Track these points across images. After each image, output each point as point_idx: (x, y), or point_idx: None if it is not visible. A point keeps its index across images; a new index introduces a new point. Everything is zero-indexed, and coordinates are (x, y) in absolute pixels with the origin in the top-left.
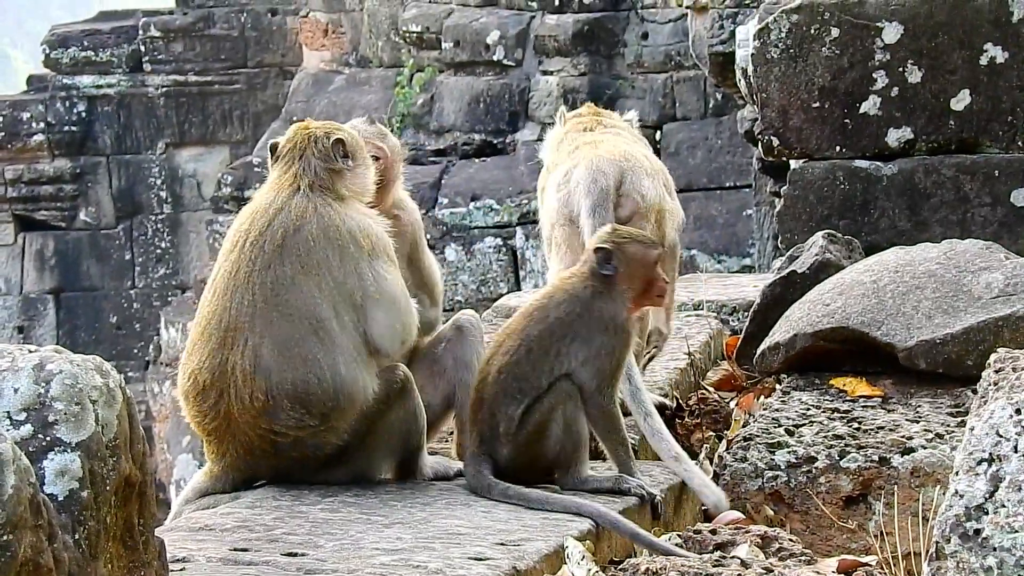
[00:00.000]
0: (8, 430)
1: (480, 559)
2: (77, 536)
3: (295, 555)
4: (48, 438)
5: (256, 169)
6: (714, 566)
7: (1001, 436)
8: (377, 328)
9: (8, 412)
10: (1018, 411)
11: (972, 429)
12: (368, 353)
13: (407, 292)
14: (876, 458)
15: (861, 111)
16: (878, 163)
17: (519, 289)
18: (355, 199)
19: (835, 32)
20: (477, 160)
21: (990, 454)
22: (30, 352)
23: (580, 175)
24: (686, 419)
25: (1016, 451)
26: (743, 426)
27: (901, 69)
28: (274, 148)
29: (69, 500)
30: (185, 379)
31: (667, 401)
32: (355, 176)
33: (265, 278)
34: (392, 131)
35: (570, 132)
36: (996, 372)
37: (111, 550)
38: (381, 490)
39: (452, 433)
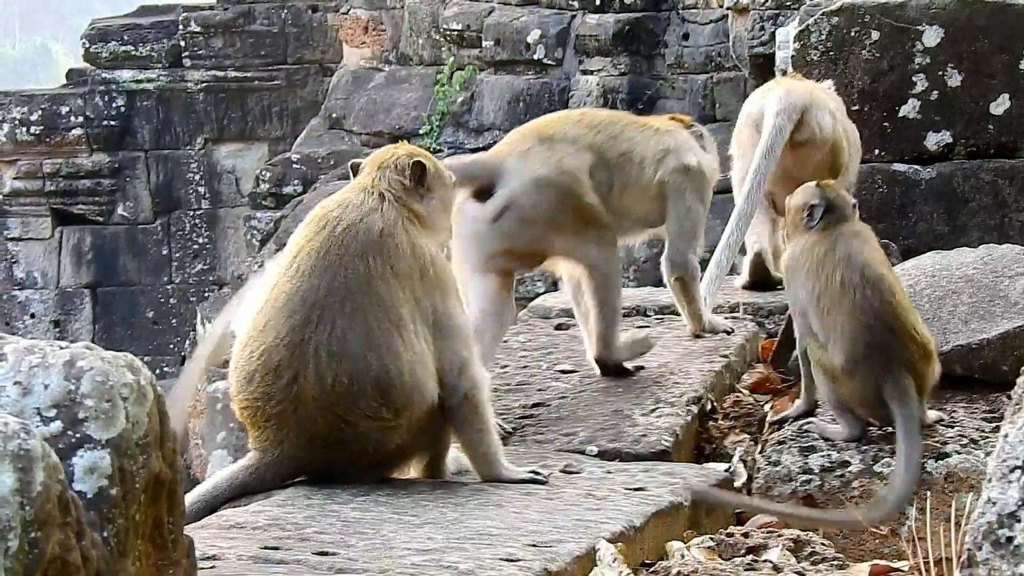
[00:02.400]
0: (38, 426)
1: (511, 560)
2: (106, 534)
3: (326, 554)
4: (78, 435)
5: (295, 166)
6: (746, 570)
7: None
8: (444, 355)
9: (38, 408)
10: None
11: (1006, 436)
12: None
13: (470, 333)
14: None
15: (900, 114)
16: (916, 167)
17: (556, 289)
18: (429, 228)
19: (875, 35)
20: None
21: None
22: (61, 348)
23: (773, 94)
24: (720, 421)
25: None
26: (777, 429)
27: (941, 73)
28: (355, 167)
29: (98, 497)
30: (255, 357)
31: None
32: (430, 206)
33: (358, 265)
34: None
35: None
36: None
37: (140, 548)
38: (413, 489)
39: None
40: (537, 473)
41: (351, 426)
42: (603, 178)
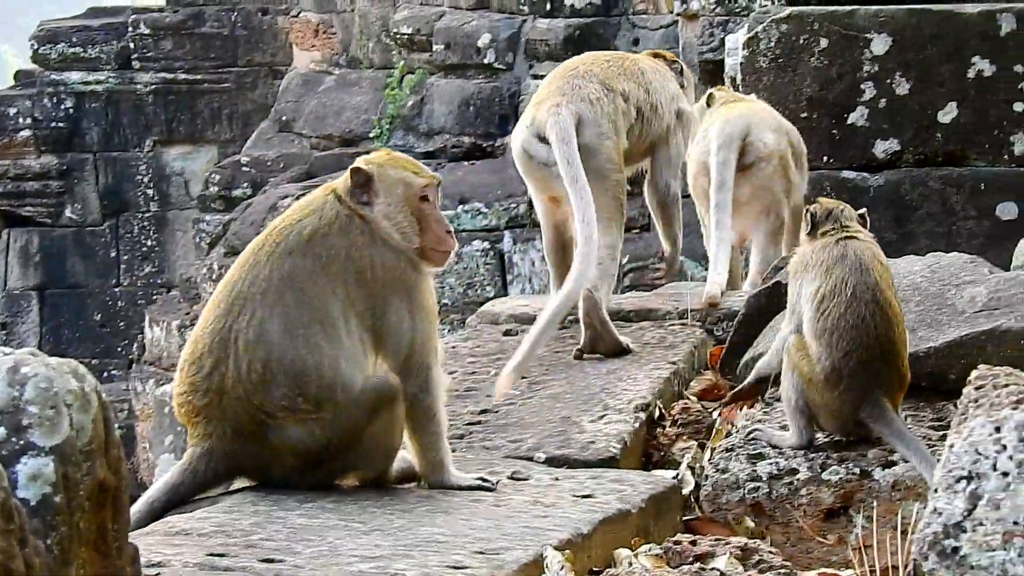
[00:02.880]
0: None
1: (459, 567)
2: (49, 541)
3: (272, 561)
4: (22, 442)
5: (244, 169)
6: None
7: (980, 454)
8: (388, 359)
9: None
10: (998, 429)
11: (952, 446)
12: (369, 363)
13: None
14: (857, 471)
15: (849, 122)
16: (865, 174)
17: (506, 294)
18: (381, 234)
19: (824, 42)
20: (466, 163)
21: (969, 472)
22: (4, 355)
23: (713, 129)
24: (668, 428)
25: (995, 469)
26: (725, 436)
27: (889, 81)
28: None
29: (42, 505)
30: (186, 348)
31: None
32: (375, 212)
33: (284, 262)
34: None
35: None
36: (976, 389)
37: (84, 555)
38: (361, 496)
39: None
40: (485, 480)
41: (270, 417)
42: (636, 130)
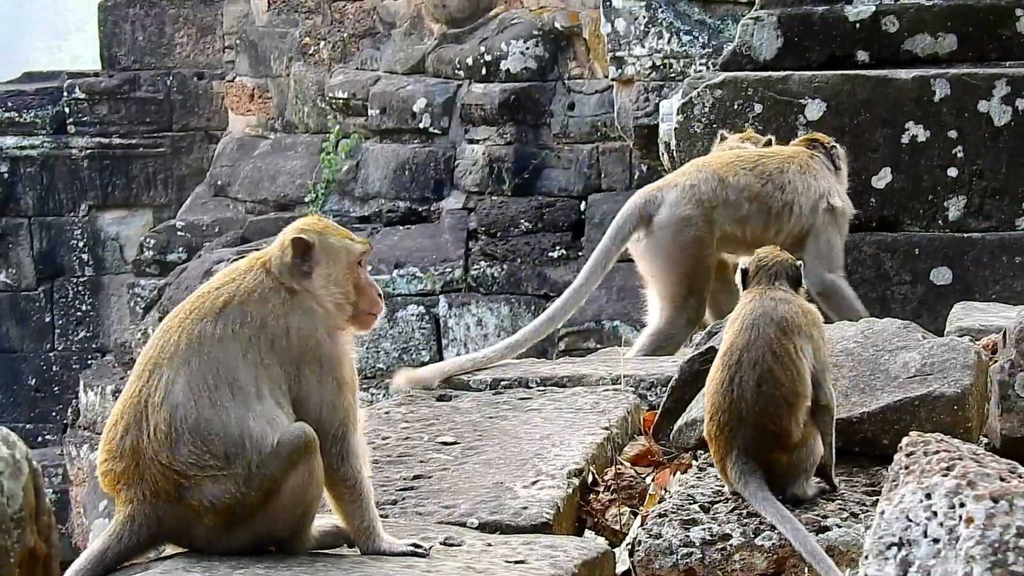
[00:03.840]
0: None
1: None
2: None
3: None
4: None
5: (179, 233)
6: None
7: (911, 521)
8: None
9: None
10: (928, 496)
11: (882, 513)
12: (286, 424)
13: (331, 397)
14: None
15: None
16: None
17: (441, 358)
18: (310, 304)
19: (758, 108)
20: (402, 227)
21: (900, 538)
22: None
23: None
24: (601, 494)
25: (926, 536)
26: (658, 502)
27: None
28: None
29: None
30: (110, 417)
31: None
32: (310, 282)
33: (194, 328)
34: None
35: None
36: (907, 456)
37: None
38: (293, 562)
39: None
40: (418, 546)
41: (183, 476)
42: (758, 222)
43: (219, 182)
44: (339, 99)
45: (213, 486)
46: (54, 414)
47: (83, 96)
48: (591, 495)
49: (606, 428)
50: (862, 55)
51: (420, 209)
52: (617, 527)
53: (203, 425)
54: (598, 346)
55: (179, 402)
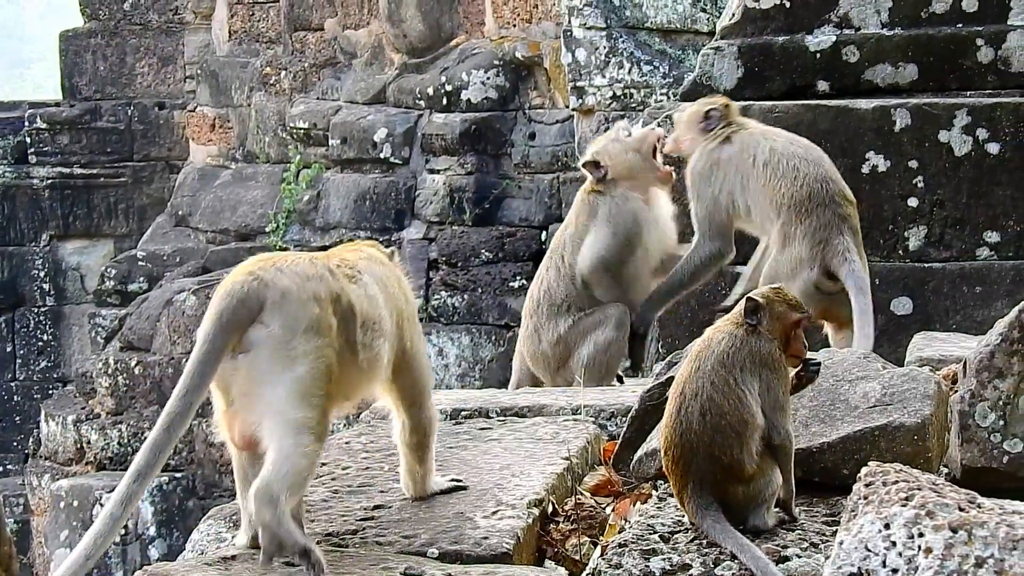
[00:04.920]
0: None
1: None
2: None
3: None
4: None
5: (141, 263)
6: None
7: (870, 551)
8: None
9: None
10: (887, 526)
11: (841, 543)
12: None
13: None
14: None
15: None
16: None
17: None
18: None
19: None
20: None
21: (859, 568)
22: None
23: None
24: (561, 524)
25: (885, 566)
26: (618, 532)
27: None
28: None
29: None
30: None
31: None
32: None
33: None
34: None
35: None
36: (866, 486)
37: None
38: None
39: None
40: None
41: None
42: None
43: (180, 212)
44: (300, 129)
45: None
46: (15, 444)
47: (44, 126)
48: (551, 525)
49: (566, 458)
50: (823, 85)
51: (381, 239)
52: (577, 557)
53: None
54: None
55: None
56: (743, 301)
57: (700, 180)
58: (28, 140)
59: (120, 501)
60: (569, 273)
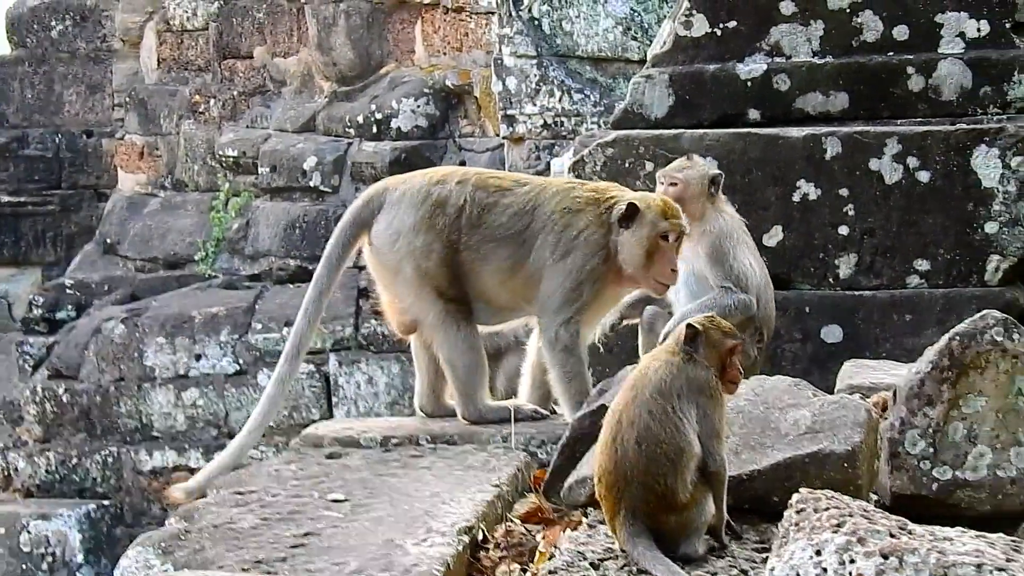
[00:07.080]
0: None
1: None
2: None
3: None
4: None
5: (68, 291)
6: None
7: None
8: None
9: None
10: (818, 552)
11: (772, 569)
12: None
13: None
14: None
15: None
16: None
17: (331, 416)
18: None
19: (649, 166)
20: (292, 285)
21: None
22: None
23: None
24: (491, 551)
25: None
26: (549, 559)
27: None
28: None
29: None
30: None
31: None
32: None
33: None
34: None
35: None
36: (797, 512)
37: None
38: None
39: None
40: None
41: None
42: None
43: (108, 240)
44: (229, 157)
45: None
46: None
47: None
48: (481, 552)
49: (496, 485)
50: (754, 113)
51: (311, 267)
52: None
53: None
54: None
55: None
56: (679, 328)
57: None
58: None
59: (278, 380)
60: None
